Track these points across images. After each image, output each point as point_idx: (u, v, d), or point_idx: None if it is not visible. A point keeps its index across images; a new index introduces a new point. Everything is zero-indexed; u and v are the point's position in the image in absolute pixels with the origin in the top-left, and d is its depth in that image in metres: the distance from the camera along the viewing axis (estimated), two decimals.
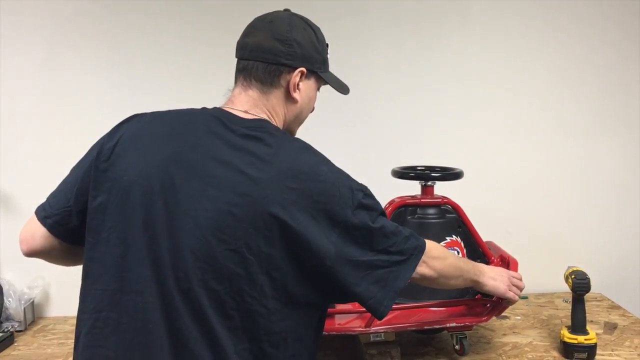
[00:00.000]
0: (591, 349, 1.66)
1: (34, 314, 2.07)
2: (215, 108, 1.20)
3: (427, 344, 1.78)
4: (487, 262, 1.79)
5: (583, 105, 2.25)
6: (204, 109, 1.20)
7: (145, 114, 1.21)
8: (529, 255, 1.90)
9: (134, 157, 1.11)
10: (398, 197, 1.78)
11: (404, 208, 1.75)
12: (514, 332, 1.88)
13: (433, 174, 1.79)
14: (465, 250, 1.75)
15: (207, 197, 1.06)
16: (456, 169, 1.81)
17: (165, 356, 1.05)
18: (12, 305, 1.98)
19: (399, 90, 2.18)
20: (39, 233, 1.19)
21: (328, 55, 1.29)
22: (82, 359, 1.11)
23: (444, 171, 1.82)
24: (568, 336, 1.68)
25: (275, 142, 1.12)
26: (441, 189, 1.82)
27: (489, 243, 1.87)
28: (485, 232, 1.82)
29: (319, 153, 1.15)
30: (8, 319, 1.98)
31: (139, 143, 1.13)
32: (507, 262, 1.74)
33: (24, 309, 1.99)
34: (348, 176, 1.14)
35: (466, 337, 1.66)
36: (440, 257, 1.27)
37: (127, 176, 1.10)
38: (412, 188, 1.83)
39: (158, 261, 1.06)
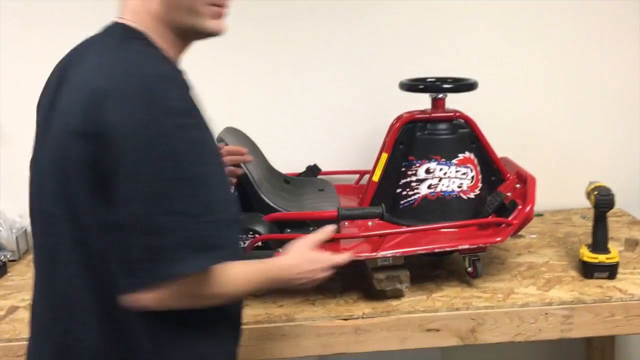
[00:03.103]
0: (612, 268, 1.58)
1: (27, 242, 2.00)
2: None
3: (437, 267, 1.70)
4: (502, 180, 1.72)
5: (606, 12, 2.07)
6: None
7: None
8: (545, 170, 1.80)
9: None
10: (406, 112, 1.69)
11: (412, 124, 1.65)
12: (529, 252, 1.80)
13: (444, 86, 1.69)
14: (479, 168, 1.66)
15: None
16: (470, 79, 1.70)
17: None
18: (4, 235, 1.91)
19: None
20: None
21: None
22: None
23: (456, 82, 1.71)
24: (588, 255, 1.59)
25: None
26: (453, 101, 1.71)
27: (504, 159, 1.79)
28: (500, 148, 1.73)
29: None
30: (0, 249, 1.92)
31: None
32: (524, 179, 1.66)
33: (17, 237, 1.92)
34: None
35: (479, 259, 1.57)
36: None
37: None
38: (422, 102, 1.72)
39: None
